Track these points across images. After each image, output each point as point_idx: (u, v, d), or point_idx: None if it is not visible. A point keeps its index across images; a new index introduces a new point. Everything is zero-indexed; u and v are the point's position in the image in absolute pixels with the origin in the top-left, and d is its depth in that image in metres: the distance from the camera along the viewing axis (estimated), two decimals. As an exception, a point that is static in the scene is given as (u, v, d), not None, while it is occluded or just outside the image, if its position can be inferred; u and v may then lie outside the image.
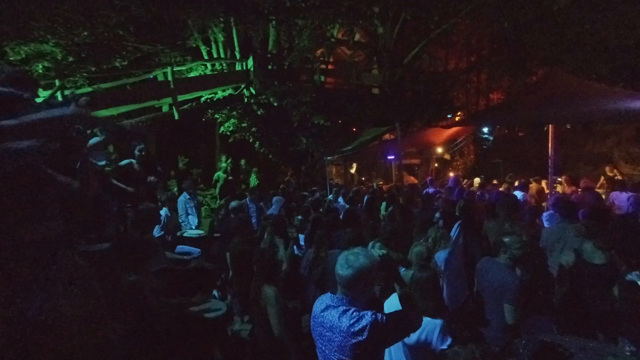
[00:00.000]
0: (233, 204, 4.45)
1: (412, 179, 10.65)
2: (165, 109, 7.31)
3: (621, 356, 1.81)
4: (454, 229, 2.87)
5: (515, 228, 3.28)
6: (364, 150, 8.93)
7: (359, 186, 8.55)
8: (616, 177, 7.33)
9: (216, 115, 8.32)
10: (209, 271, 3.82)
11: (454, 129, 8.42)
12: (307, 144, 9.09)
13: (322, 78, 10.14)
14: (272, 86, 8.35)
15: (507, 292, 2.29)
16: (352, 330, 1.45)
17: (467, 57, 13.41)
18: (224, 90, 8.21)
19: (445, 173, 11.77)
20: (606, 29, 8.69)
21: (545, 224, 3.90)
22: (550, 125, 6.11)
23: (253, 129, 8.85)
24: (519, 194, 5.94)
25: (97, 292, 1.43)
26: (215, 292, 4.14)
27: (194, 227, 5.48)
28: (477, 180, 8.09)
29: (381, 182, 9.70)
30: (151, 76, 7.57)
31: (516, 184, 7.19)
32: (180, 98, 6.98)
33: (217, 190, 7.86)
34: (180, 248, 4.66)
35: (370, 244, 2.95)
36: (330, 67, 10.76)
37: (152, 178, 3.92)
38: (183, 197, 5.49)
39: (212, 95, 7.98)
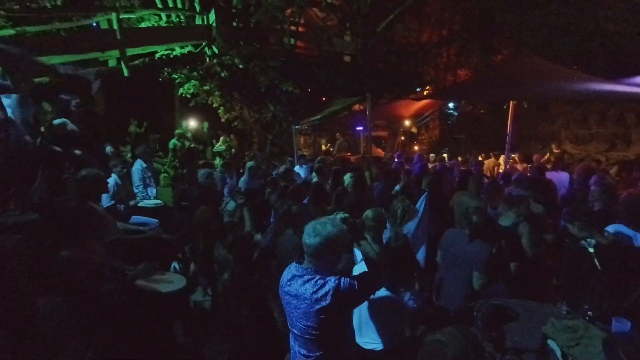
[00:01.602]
0: (202, 172, 4.17)
1: (379, 152, 10.81)
2: (112, 63, 6.41)
3: (559, 315, 2.01)
4: (419, 202, 2.93)
5: (482, 202, 3.44)
6: (333, 120, 8.78)
7: (327, 157, 8.49)
8: (564, 155, 8.04)
9: (174, 76, 7.55)
10: (167, 242, 3.62)
11: (422, 103, 8.50)
12: (275, 111, 8.70)
13: (292, 41, 9.52)
14: (237, 46, 7.67)
15: (478, 261, 2.40)
16: (315, 296, 1.47)
17: (439, 30, 13.34)
18: (182, 47, 7.37)
19: (411, 146, 12.08)
20: (569, 14, 9.01)
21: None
22: (510, 104, 6.38)
23: (216, 92, 8.23)
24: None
25: (15, 269, 1.23)
26: (176, 265, 3.97)
27: (152, 198, 5.13)
28: (444, 155, 8.40)
29: (348, 154, 9.71)
30: (94, 24, 6.50)
31: (474, 159, 7.57)
32: (130, 52, 6.12)
33: (170, 157, 7.33)
34: (135, 219, 4.36)
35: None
36: (301, 29, 10.12)
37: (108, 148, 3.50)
38: (139, 166, 5.05)
39: (169, 51, 7.15)
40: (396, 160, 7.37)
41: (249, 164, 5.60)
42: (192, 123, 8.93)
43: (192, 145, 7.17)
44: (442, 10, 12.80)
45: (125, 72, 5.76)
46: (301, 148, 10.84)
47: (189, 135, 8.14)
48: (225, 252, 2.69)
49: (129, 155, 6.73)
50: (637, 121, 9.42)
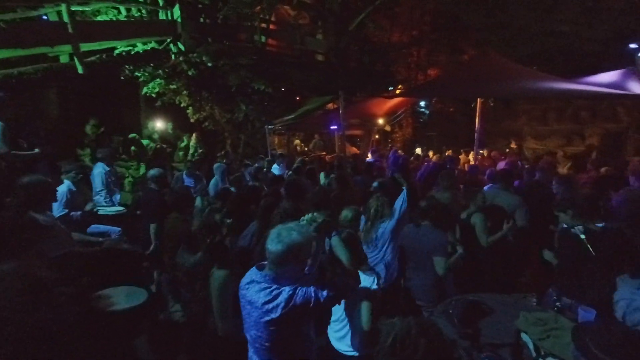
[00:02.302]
0: (151, 172, 3.90)
1: (354, 150, 10.86)
2: (64, 59, 5.85)
3: (530, 308, 2.04)
4: (400, 199, 2.90)
5: (453, 197, 3.52)
6: (307, 119, 8.69)
7: (302, 157, 8.39)
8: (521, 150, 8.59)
9: (137, 74, 7.09)
10: (129, 253, 3.35)
11: (394, 101, 8.63)
12: (247, 111, 8.44)
13: (263, 39, 9.30)
14: (206, 43, 7.35)
15: (438, 247, 2.50)
16: (266, 307, 1.39)
17: (409, 30, 13.65)
18: (145, 44, 6.92)
19: (386, 145, 12.27)
20: (528, 16, 9.51)
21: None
22: (478, 102, 6.62)
23: (184, 92, 7.84)
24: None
25: None
26: (142, 276, 3.69)
27: (117, 204, 4.77)
28: (418, 151, 8.58)
29: (323, 153, 9.67)
30: (44, 17, 5.89)
31: (447, 153, 7.81)
32: (85, 47, 5.63)
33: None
34: (93, 228, 4.02)
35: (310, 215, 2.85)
36: (272, 27, 9.91)
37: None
38: (101, 169, 4.68)
39: (130, 48, 6.68)
40: (370, 156, 7.42)
41: (217, 165, 5.37)
42: (158, 124, 8.46)
43: (159, 146, 6.76)
44: (411, 10, 13.11)
45: (80, 69, 5.28)
46: (275, 148, 10.65)
47: (155, 136, 7.69)
48: (193, 259, 2.51)
49: (88, 158, 6.23)
50: (590, 118, 10.12)
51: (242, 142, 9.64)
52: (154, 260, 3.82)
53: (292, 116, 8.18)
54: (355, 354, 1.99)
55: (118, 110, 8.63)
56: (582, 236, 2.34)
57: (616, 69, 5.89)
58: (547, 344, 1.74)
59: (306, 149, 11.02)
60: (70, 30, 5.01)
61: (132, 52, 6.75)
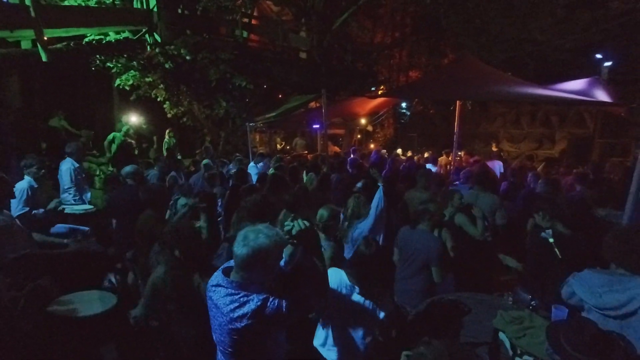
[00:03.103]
0: (127, 168, 3.70)
1: (336, 149, 10.87)
2: (25, 45, 5.40)
3: (507, 307, 2.09)
4: (376, 198, 2.88)
5: (432, 197, 3.56)
6: (289, 117, 8.59)
7: (284, 156, 8.29)
8: (501, 152, 8.92)
9: (109, 64, 6.70)
10: (96, 254, 3.15)
11: (377, 102, 8.70)
12: (228, 107, 8.22)
13: (245, 34, 9.09)
14: (184, 35, 7.06)
15: (434, 256, 2.46)
16: (231, 315, 1.32)
17: (391, 32, 13.84)
18: (118, 33, 6.53)
19: (368, 144, 12.38)
20: (504, 22, 9.88)
21: None
22: (457, 105, 6.80)
23: (161, 85, 7.50)
24: (430, 166, 6.56)
25: None
26: (112, 278, 3.48)
27: (87, 203, 4.49)
28: (398, 151, 8.69)
29: (305, 152, 9.61)
30: None
31: (426, 155, 7.98)
32: (50, 34, 5.21)
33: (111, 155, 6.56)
34: (59, 227, 3.76)
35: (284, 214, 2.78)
36: (254, 22, 9.71)
37: None
38: (69, 165, 4.37)
39: (101, 37, 6.29)
40: (351, 155, 7.45)
41: (205, 161, 5.17)
42: (133, 118, 8.06)
43: (126, 140, 6.40)
44: (393, 12, 13.30)
45: (44, 57, 4.88)
46: (256, 146, 10.48)
47: (130, 131, 7.31)
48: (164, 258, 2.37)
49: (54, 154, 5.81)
50: (559, 123, 10.68)
51: (222, 139, 9.39)
52: (127, 262, 3.61)
53: (274, 114, 8.05)
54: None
55: (88, 103, 8.18)
56: (551, 240, 2.43)
57: (583, 77, 6.23)
58: (523, 343, 1.78)
59: (288, 147, 10.92)
60: (32, 13, 4.60)
61: (104, 42, 6.35)
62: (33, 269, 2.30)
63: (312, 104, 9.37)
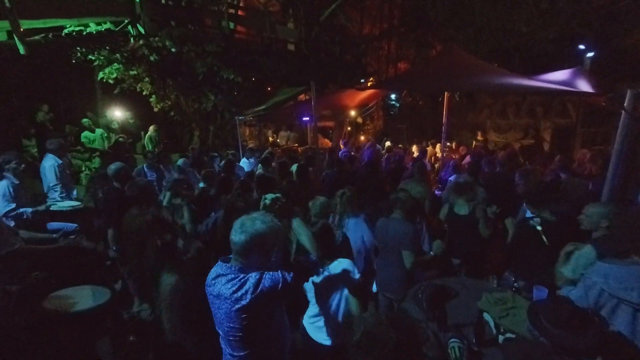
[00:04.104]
0: (112, 166, 3.64)
1: (327, 142, 10.88)
2: (1, 37, 5.16)
3: (491, 289, 2.18)
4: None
5: (425, 187, 3.63)
6: (278, 110, 8.53)
7: (274, 149, 8.26)
8: (485, 142, 9.12)
9: (91, 57, 6.49)
10: (86, 251, 3.12)
11: (366, 94, 8.70)
12: (216, 101, 8.10)
13: (232, 25, 8.91)
14: (168, 27, 6.87)
15: (405, 240, 2.51)
16: (235, 296, 1.39)
17: (379, 23, 13.79)
18: (99, 24, 6.31)
19: (358, 136, 12.42)
20: (491, 14, 9.97)
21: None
22: (445, 96, 6.88)
23: (146, 79, 7.32)
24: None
25: None
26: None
27: (72, 199, 4.40)
28: (388, 143, 8.75)
29: (295, 145, 9.59)
30: None
31: (414, 148, 8.09)
32: (27, 25, 4.99)
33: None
34: (49, 225, 3.71)
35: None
36: (240, 13, 9.52)
37: None
38: (52, 161, 4.27)
39: (81, 28, 6.06)
40: (343, 148, 7.48)
41: (179, 162, 5.11)
42: (117, 112, 7.87)
43: (121, 138, 6.29)
44: (381, 4, 13.25)
45: (21, 50, 4.68)
46: (246, 140, 10.39)
47: (114, 126, 7.16)
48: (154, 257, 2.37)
49: (35, 150, 5.65)
50: (544, 113, 10.93)
51: (210, 133, 9.28)
52: (118, 259, 3.59)
53: (263, 107, 7.98)
54: (330, 343, 2.02)
55: (70, 97, 7.92)
56: (539, 227, 2.54)
57: (567, 68, 6.38)
58: (506, 322, 1.87)
59: (278, 140, 10.87)
60: (7, 3, 4.38)
61: (84, 33, 6.13)
62: (24, 265, 2.27)
63: (302, 97, 9.32)
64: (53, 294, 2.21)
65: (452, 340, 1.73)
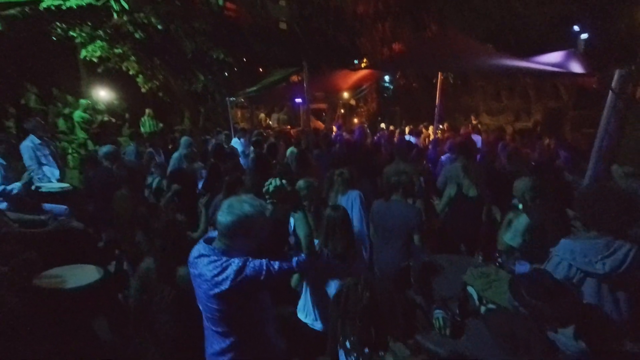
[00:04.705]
0: (104, 148, 3.59)
1: (319, 124, 10.80)
2: (-27, 13, 4.89)
3: (476, 264, 2.26)
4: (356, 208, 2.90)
5: (407, 167, 3.64)
6: (271, 92, 8.38)
7: (266, 131, 8.18)
8: (479, 126, 9.14)
9: (72, 33, 6.21)
10: (76, 232, 3.11)
11: (359, 75, 8.58)
12: (206, 82, 7.90)
13: (220, 2, 8.56)
14: (154, 3, 6.57)
15: (413, 224, 2.53)
16: (215, 279, 1.37)
17: (374, 3, 13.39)
18: (79, -2, 6.00)
19: (351, 119, 12.34)
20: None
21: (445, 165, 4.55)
22: (439, 78, 6.83)
23: (132, 58, 7.07)
24: (412, 139, 6.71)
25: None
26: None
27: (53, 180, 4.32)
28: (382, 126, 8.72)
29: (288, 127, 9.50)
30: None
31: (407, 130, 8.09)
32: None
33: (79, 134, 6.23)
34: (47, 207, 3.68)
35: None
36: (230, -11, 9.15)
37: None
38: (29, 142, 4.18)
39: (60, 2, 5.75)
40: (336, 130, 7.44)
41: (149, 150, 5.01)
42: (102, 93, 7.61)
43: (106, 119, 6.13)
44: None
45: (-2, 25, 4.46)
46: (238, 122, 10.25)
47: (101, 107, 6.95)
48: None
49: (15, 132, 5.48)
50: (536, 96, 10.95)
51: (201, 115, 9.11)
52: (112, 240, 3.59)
53: (255, 88, 7.82)
54: (320, 326, 2.06)
55: (52, 77, 7.61)
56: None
57: (561, 50, 6.34)
58: (489, 294, 1.96)
59: (270, 122, 10.75)
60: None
61: (63, 7, 5.82)
62: (14, 247, 2.26)
63: (294, 78, 9.14)
64: (45, 273, 2.21)
65: (437, 311, 1.81)
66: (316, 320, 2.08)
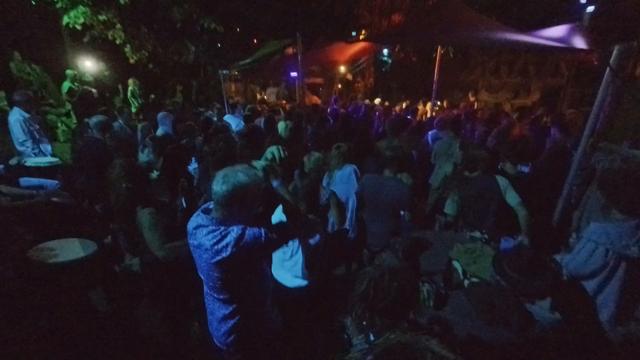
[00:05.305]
0: (95, 118, 3.50)
1: (316, 99, 10.57)
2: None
3: (463, 240, 2.32)
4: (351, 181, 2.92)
5: (401, 143, 3.62)
6: (265, 65, 8.11)
7: (261, 105, 7.99)
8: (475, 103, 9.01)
9: (51, -5, 5.85)
10: (68, 206, 3.10)
11: (356, 48, 8.28)
12: (197, 53, 7.59)
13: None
14: (138, -36, 6.17)
15: (403, 201, 2.59)
16: (216, 247, 1.41)
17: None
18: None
19: (348, 94, 12.08)
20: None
21: (430, 141, 4.52)
22: (438, 52, 6.61)
23: (118, 26, 6.72)
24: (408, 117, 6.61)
25: None
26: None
27: (47, 155, 4.25)
28: (376, 101, 8.55)
29: (283, 102, 9.29)
30: None
31: (404, 105, 7.95)
32: None
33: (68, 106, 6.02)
34: (25, 181, 3.61)
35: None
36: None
37: None
38: (18, 115, 4.05)
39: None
40: (333, 105, 7.30)
41: (161, 115, 4.88)
42: (88, 63, 7.30)
43: (86, 88, 5.89)
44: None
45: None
46: (232, 96, 9.98)
47: (88, 78, 6.69)
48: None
49: (4, 103, 5.29)
50: (536, 72, 10.74)
51: (194, 88, 8.84)
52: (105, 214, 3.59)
53: (248, 60, 7.54)
54: (305, 282, 2.15)
55: (34, 46, 7.25)
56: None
57: (565, 23, 6.12)
58: (473, 269, 2.02)
59: (265, 97, 10.49)
60: None
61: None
62: (4, 220, 2.26)
63: (289, 50, 8.80)
64: (38, 246, 2.23)
65: (423, 284, 1.87)
66: (303, 278, 2.16)
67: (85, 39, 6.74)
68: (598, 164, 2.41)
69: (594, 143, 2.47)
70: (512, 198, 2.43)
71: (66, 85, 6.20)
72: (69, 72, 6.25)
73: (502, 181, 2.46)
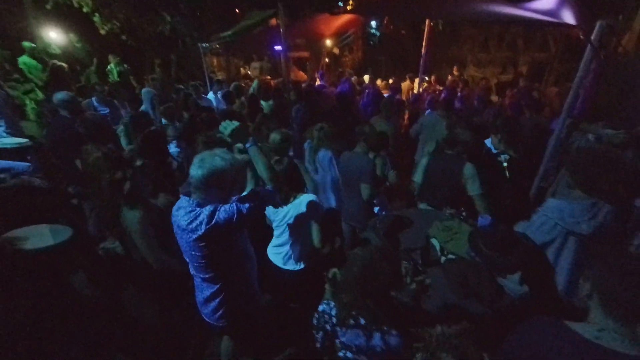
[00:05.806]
0: (59, 95, 3.30)
1: (302, 75, 10.25)
2: None
3: (444, 218, 2.36)
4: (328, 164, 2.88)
5: (387, 123, 3.61)
6: (249, 38, 7.70)
7: (245, 81, 7.70)
8: (461, 77, 8.93)
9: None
10: (40, 190, 2.98)
11: (343, 20, 7.93)
12: (174, 23, 7.13)
13: None
14: None
15: (364, 173, 2.62)
16: (190, 226, 1.47)
17: None
18: None
19: (336, 69, 11.73)
20: None
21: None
22: (426, 25, 6.41)
23: (85, -8, 6.19)
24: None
25: None
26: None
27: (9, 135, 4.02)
28: (365, 78, 8.34)
29: (268, 78, 8.96)
30: None
31: (390, 81, 7.80)
32: None
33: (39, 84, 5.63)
34: (-5, 163, 3.44)
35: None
36: None
37: None
38: None
39: None
40: (319, 81, 7.10)
41: (145, 90, 4.66)
42: (53, 34, 6.76)
43: (56, 63, 5.50)
44: None
45: None
46: (214, 71, 9.55)
47: (55, 51, 6.21)
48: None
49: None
50: (524, 46, 10.63)
51: (173, 63, 8.39)
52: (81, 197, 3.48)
53: (230, 33, 7.14)
54: (301, 266, 2.21)
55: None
56: (505, 164, 2.66)
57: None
58: (450, 245, 2.08)
59: (249, 72, 10.08)
60: None
61: None
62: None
63: (273, 22, 8.36)
64: (7, 234, 2.15)
65: (402, 261, 1.92)
66: (295, 263, 2.22)
67: (48, 6, 6.20)
68: (573, 143, 2.44)
69: (572, 123, 2.50)
70: (473, 188, 2.39)
71: (22, 59, 5.72)
72: (25, 44, 5.74)
73: (468, 170, 2.41)
